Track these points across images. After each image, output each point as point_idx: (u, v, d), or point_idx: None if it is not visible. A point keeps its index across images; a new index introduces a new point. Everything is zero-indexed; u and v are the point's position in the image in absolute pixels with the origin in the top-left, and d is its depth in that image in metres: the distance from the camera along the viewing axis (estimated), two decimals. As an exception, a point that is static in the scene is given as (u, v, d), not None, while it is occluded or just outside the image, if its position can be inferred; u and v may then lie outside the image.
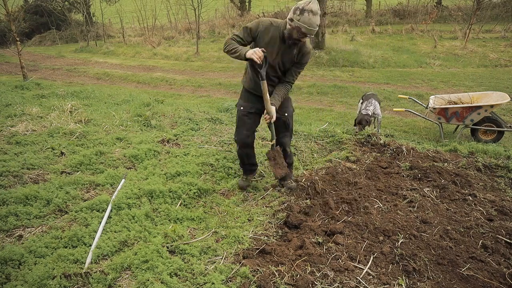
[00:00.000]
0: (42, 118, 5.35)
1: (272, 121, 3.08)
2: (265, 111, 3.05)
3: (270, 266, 2.42)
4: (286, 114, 3.28)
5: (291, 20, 2.76)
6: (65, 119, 5.26)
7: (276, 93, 3.13)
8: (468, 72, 10.80)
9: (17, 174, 3.60)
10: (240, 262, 2.49)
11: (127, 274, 2.40)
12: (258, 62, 2.84)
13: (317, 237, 2.70)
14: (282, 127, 3.32)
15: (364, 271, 2.39)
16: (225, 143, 4.62)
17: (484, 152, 4.29)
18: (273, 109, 3.03)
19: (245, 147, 3.38)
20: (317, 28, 2.77)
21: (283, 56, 3.01)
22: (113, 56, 16.18)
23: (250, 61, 2.87)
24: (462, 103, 5.77)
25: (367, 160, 4.15)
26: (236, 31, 2.94)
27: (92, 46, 18.08)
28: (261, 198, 3.42)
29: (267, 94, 3.00)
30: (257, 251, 2.61)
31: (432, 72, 10.95)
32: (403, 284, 2.29)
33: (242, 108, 3.25)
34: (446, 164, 3.98)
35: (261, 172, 3.89)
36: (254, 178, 3.75)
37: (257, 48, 2.84)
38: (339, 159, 4.16)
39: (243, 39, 2.97)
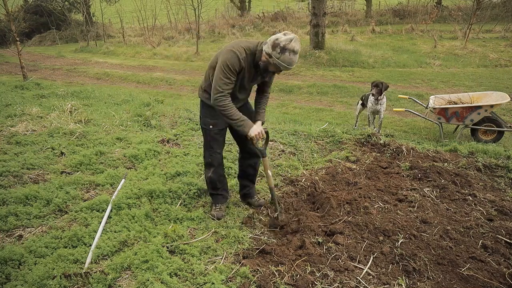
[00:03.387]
0: (42, 118, 5.35)
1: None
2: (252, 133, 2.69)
3: (270, 266, 2.42)
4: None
5: (269, 55, 2.54)
6: (65, 119, 5.26)
7: (261, 108, 2.96)
8: (468, 72, 10.80)
9: (17, 174, 3.61)
10: (240, 262, 2.49)
11: (127, 274, 2.40)
12: (258, 143, 2.74)
13: (317, 237, 2.70)
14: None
15: (364, 271, 2.39)
16: (225, 143, 4.61)
17: (484, 152, 4.29)
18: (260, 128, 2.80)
19: (220, 167, 3.08)
20: (295, 65, 2.62)
21: (257, 80, 2.86)
22: (113, 56, 16.18)
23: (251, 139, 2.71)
24: (462, 103, 5.77)
25: (367, 160, 4.15)
26: (224, 81, 2.58)
27: (92, 46, 18.09)
28: (261, 198, 3.41)
29: (269, 171, 2.84)
30: (257, 251, 2.61)
31: (432, 72, 10.95)
32: (403, 284, 2.29)
33: (212, 126, 2.90)
34: (446, 164, 3.98)
35: (261, 172, 3.89)
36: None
37: (260, 128, 2.71)
38: (339, 159, 4.16)
39: (231, 87, 2.66)
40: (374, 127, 5.82)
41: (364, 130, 4.93)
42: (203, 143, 3.08)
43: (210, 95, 2.70)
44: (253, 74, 2.76)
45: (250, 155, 3.12)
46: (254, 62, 2.68)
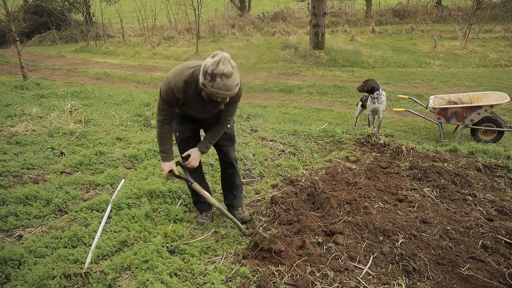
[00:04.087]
0: (42, 118, 5.35)
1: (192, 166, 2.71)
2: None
3: (270, 266, 2.42)
4: (228, 126, 2.78)
5: (204, 86, 2.26)
6: (65, 119, 5.26)
7: (207, 136, 2.73)
8: (468, 72, 10.80)
9: (17, 174, 3.61)
10: (240, 262, 2.49)
11: (127, 274, 2.40)
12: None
13: (317, 237, 2.70)
14: (226, 140, 2.86)
15: (364, 271, 2.39)
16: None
17: (484, 152, 4.29)
18: (198, 156, 2.71)
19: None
20: (237, 88, 2.31)
21: (211, 108, 2.55)
22: (113, 56, 16.18)
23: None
24: (462, 103, 5.76)
25: (367, 160, 4.15)
26: (159, 111, 2.54)
27: (92, 46, 18.09)
28: (261, 198, 3.41)
29: (205, 193, 2.75)
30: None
31: (432, 72, 10.95)
32: (403, 284, 2.29)
33: (178, 133, 2.80)
34: (446, 164, 3.98)
35: (261, 172, 3.89)
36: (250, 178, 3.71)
37: (173, 167, 2.62)
38: (339, 159, 4.16)
39: (172, 114, 2.57)
40: (374, 127, 5.81)
41: (364, 130, 4.94)
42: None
43: None
44: (202, 102, 2.47)
45: (225, 164, 2.97)
46: (200, 90, 2.39)
